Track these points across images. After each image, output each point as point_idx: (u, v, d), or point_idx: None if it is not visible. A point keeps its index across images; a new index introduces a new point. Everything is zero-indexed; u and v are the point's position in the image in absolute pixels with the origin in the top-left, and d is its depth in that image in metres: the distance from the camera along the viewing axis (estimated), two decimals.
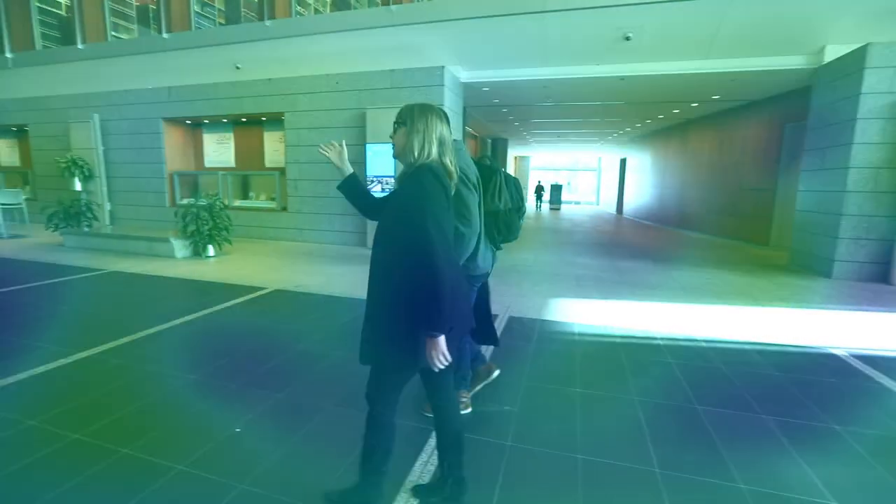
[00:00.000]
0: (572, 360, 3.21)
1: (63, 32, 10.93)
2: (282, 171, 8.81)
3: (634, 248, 8.79)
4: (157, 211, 9.58)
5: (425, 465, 1.99)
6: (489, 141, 17.30)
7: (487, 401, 2.58)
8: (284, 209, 8.70)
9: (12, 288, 4.93)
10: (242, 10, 9.12)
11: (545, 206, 22.43)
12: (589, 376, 2.94)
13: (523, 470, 1.99)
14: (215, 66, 8.98)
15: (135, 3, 10.63)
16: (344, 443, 2.08)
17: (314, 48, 8.02)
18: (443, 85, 7.22)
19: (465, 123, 10.09)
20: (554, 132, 15.53)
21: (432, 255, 1.35)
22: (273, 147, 9.19)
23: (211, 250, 6.74)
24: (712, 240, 10.25)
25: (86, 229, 7.88)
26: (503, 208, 2.32)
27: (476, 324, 1.91)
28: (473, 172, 2.14)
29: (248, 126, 9.38)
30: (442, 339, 1.40)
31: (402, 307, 1.43)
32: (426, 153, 1.53)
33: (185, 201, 9.11)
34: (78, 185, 9.52)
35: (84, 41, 9.77)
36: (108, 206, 9.87)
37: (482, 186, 2.23)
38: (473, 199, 2.08)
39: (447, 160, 1.57)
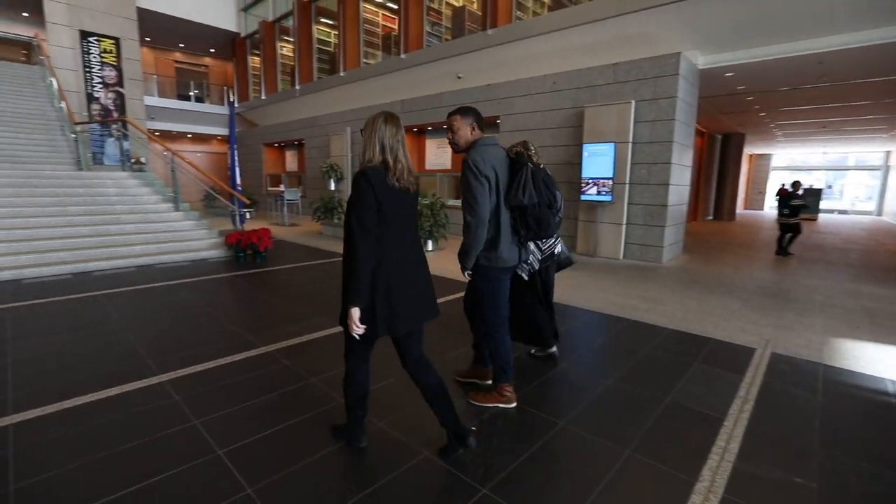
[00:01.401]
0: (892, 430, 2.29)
1: (331, 65, 13.69)
2: None
3: None
4: None
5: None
6: (718, 138, 14.75)
7: (766, 464, 2.00)
8: None
9: (289, 266, 6.30)
10: (466, 24, 9.79)
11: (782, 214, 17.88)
12: None
13: None
14: (440, 78, 9.89)
15: (380, 33, 12.52)
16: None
17: (532, 50, 8.05)
18: (677, 74, 6.33)
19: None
20: (818, 121, 12.24)
21: (353, 244, 1.70)
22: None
23: (430, 245, 7.41)
24: None
25: (336, 221, 9.66)
26: (528, 203, 2.23)
27: (513, 321, 2.70)
28: (490, 165, 2.16)
29: None
30: (355, 311, 1.71)
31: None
32: (369, 156, 1.76)
33: None
34: (332, 186, 11.78)
35: (344, 69, 12.00)
36: None
37: (509, 180, 2.24)
38: (482, 190, 2.14)
39: (391, 159, 1.75)
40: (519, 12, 8.71)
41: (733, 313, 4.27)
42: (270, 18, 14.90)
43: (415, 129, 10.85)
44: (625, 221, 6.94)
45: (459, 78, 9.54)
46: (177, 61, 18.74)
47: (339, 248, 7.82)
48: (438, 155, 10.81)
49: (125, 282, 5.32)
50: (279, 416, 2.36)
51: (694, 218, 13.57)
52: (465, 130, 2.28)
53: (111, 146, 11.75)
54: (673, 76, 6.36)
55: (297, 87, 13.63)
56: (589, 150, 6.87)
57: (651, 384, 2.76)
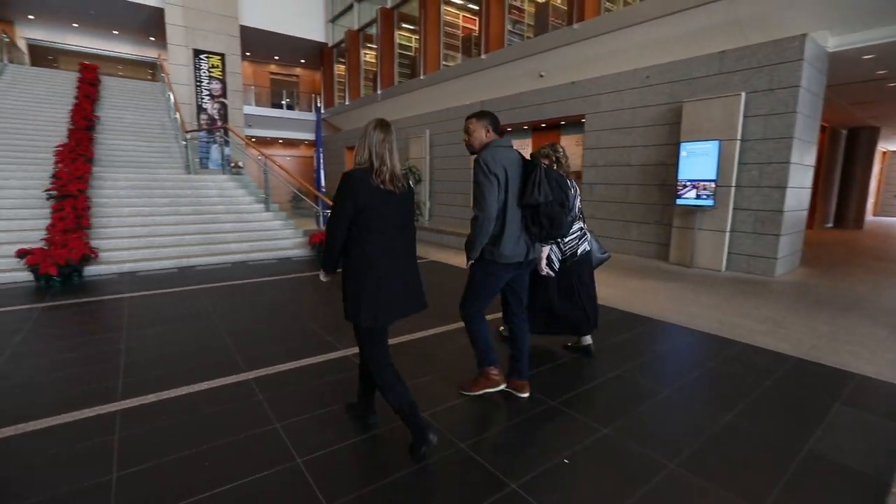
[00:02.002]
0: None
1: (411, 69, 13.93)
2: (577, 174, 8.69)
3: None
4: (464, 210, 11.03)
5: None
6: (843, 132, 12.84)
7: None
8: None
9: None
10: (550, 20, 9.40)
11: None
12: None
13: None
14: (521, 77, 9.59)
15: (460, 35, 12.48)
16: None
17: (622, 43, 7.48)
18: (801, 60, 5.49)
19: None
20: None
21: (329, 227, 1.96)
22: (569, 151, 9.13)
23: None
24: None
25: (415, 221, 9.73)
26: (543, 200, 2.29)
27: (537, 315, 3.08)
28: (501, 165, 2.26)
29: (547, 131, 9.65)
30: (322, 273, 2.09)
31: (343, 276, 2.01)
32: (359, 159, 1.96)
33: None
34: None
35: (424, 73, 12.13)
36: (427, 205, 12.04)
37: (523, 179, 2.31)
38: (490, 188, 2.24)
39: (376, 162, 1.92)
40: (608, 3, 8.17)
41: (880, 343, 3.54)
42: (355, 27, 15.54)
43: None
44: (729, 229, 6.17)
45: (541, 76, 9.18)
46: (272, 72, 20.26)
47: (420, 250, 7.83)
48: None
49: (220, 277, 5.70)
50: (358, 426, 2.27)
51: (810, 226, 11.89)
52: (480, 133, 2.38)
53: (214, 152, 12.92)
54: (795, 62, 5.53)
55: (379, 91, 14.04)
56: (687, 150, 6.21)
57: (781, 426, 2.31)
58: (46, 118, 9.80)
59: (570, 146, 9.12)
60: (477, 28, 11.03)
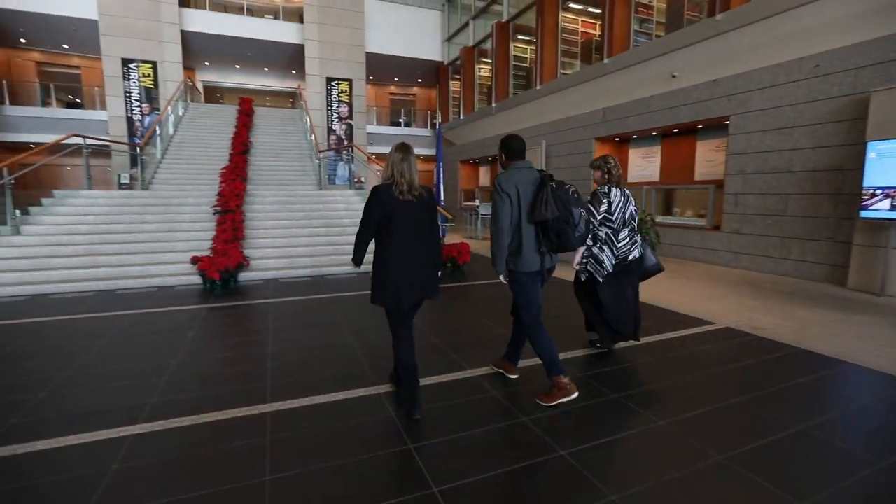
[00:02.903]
0: None
1: (526, 80, 13.76)
2: (716, 183, 7.67)
3: None
4: None
5: None
6: None
7: None
8: (717, 228, 7.52)
9: (487, 281, 6.27)
10: (685, 13, 8.52)
11: None
12: None
13: None
14: (649, 80, 8.83)
15: (579, 41, 11.98)
16: None
17: (780, 29, 6.43)
18: None
19: None
20: None
21: (358, 234, 2.48)
22: (707, 157, 8.15)
23: None
24: None
25: None
26: (550, 216, 2.47)
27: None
28: (513, 184, 2.55)
29: (679, 137, 8.73)
30: (355, 266, 2.60)
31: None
32: (385, 175, 2.46)
33: None
34: None
35: (541, 83, 11.86)
36: None
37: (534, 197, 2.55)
38: (502, 205, 2.55)
39: (397, 176, 2.39)
40: None
41: None
42: (470, 44, 15.88)
43: (616, 139, 9.95)
44: None
45: (674, 77, 8.34)
46: (391, 93, 21.67)
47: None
48: (643, 166, 9.66)
49: (347, 287, 6.05)
50: (495, 454, 2.12)
51: None
52: (501, 157, 2.76)
53: (341, 168, 14.09)
54: None
55: (494, 104, 14.10)
56: (878, 150, 5.04)
57: None
58: (214, 145, 11.60)
59: (709, 152, 8.11)
60: (598, 32, 10.48)
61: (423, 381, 2.99)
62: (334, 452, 2.16)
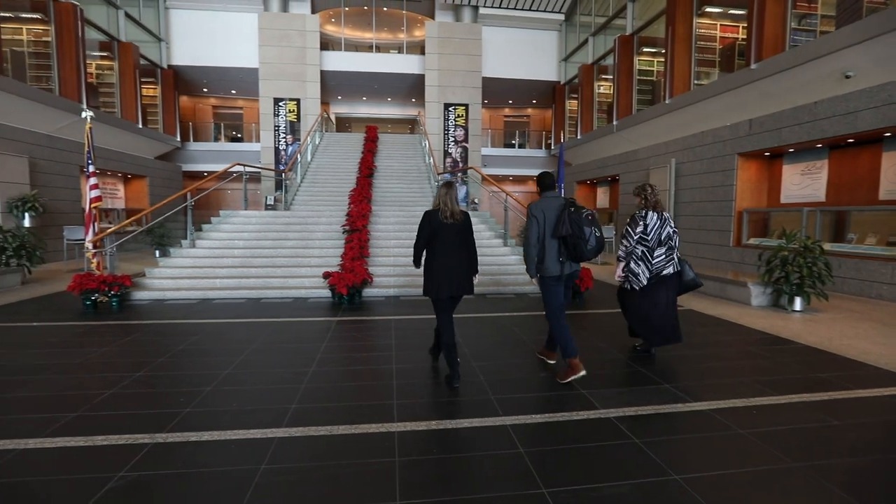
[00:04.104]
0: None
1: (651, 95, 12.84)
2: None
3: None
4: (719, 250, 9.24)
5: None
6: None
7: None
8: None
9: (608, 310, 5.77)
10: (864, 1, 7.18)
11: None
12: None
13: None
14: (810, 84, 7.59)
15: (717, 47, 10.83)
16: None
17: None
18: None
19: None
20: None
21: (415, 244, 3.32)
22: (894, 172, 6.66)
23: (798, 303, 5.50)
24: None
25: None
26: (566, 233, 3.21)
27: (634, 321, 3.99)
28: (540, 209, 3.34)
29: (855, 148, 7.30)
30: (415, 268, 3.45)
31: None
32: (434, 204, 3.32)
33: (763, 242, 8.25)
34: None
35: (670, 96, 10.93)
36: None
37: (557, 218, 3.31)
38: (531, 225, 3.33)
39: (442, 206, 3.25)
40: None
41: None
42: (589, 61, 15.38)
43: (766, 154, 8.68)
44: None
45: (848, 77, 7.04)
46: (505, 115, 21.87)
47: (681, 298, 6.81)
48: (802, 184, 8.25)
49: (463, 309, 6.02)
50: None
51: None
52: (539, 190, 3.55)
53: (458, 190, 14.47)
54: None
55: (615, 122, 13.38)
56: None
57: None
58: (344, 169, 12.77)
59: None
60: (743, 35, 9.36)
61: (552, 418, 2.79)
62: (464, 486, 2.05)
